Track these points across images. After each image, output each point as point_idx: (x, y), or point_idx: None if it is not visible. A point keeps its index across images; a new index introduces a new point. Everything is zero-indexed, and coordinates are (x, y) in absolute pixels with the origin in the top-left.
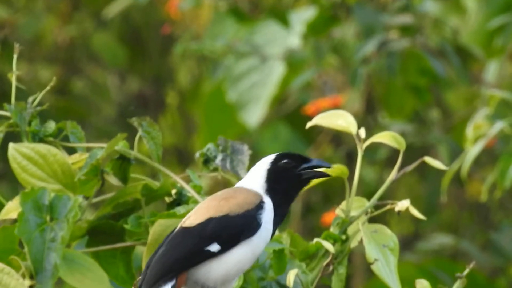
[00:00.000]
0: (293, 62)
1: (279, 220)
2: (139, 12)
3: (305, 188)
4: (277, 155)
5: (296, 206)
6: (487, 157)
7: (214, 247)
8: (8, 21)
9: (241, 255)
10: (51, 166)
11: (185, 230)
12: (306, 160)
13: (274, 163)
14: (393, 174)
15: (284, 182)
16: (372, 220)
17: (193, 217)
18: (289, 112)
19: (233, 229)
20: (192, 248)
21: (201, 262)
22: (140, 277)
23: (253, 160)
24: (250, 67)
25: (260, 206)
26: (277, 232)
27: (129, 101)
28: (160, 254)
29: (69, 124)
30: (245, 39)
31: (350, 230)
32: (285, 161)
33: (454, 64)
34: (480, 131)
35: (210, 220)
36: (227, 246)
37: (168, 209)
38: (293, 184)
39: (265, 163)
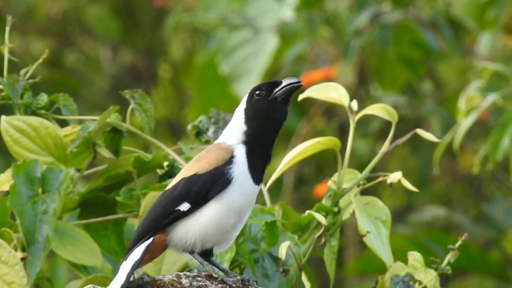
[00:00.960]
0: (286, 35)
1: (259, 166)
2: None
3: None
4: (248, 93)
5: (289, 178)
6: (480, 130)
7: (184, 206)
8: None
9: (215, 212)
10: (43, 138)
11: (162, 193)
12: (276, 84)
13: (249, 99)
14: (385, 146)
15: (262, 113)
16: (364, 192)
17: (172, 181)
18: None
19: (201, 186)
20: (163, 208)
21: (175, 222)
22: None
23: None
24: (242, 40)
25: (230, 160)
26: (268, 204)
27: (122, 73)
28: (142, 219)
29: (61, 97)
30: (238, 12)
31: (342, 202)
32: (257, 92)
33: (447, 36)
34: (472, 103)
35: (180, 181)
36: (197, 204)
37: (160, 181)
38: (272, 111)
39: (241, 104)
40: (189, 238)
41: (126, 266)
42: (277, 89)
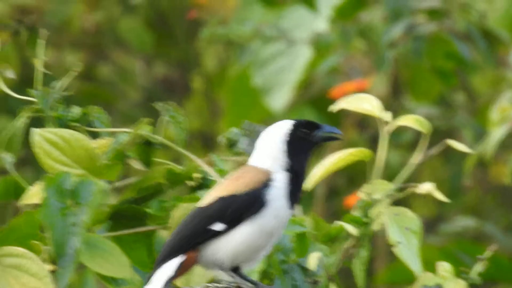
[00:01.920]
0: (320, 46)
1: (298, 192)
2: None
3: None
4: (293, 125)
5: (320, 189)
6: (511, 140)
7: (218, 226)
8: (36, 7)
9: (248, 234)
10: (75, 151)
11: (195, 210)
12: (318, 126)
13: (292, 133)
14: (417, 157)
15: (302, 150)
16: (395, 203)
17: (206, 197)
18: (315, 96)
19: (237, 208)
20: (197, 227)
21: (207, 241)
22: None
23: None
24: (276, 52)
25: (267, 184)
26: (301, 214)
27: (155, 85)
28: (172, 233)
29: (94, 109)
30: (272, 23)
31: (373, 213)
32: (304, 130)
33: (480, 47)
34: (505, 114)
35: (216, 200)
36: (231, 225)
37: (191, 193)
38: (309, 152)
39: (281, 134)
40: (220, 256)
41: (157, 282)
42: (319, 133)
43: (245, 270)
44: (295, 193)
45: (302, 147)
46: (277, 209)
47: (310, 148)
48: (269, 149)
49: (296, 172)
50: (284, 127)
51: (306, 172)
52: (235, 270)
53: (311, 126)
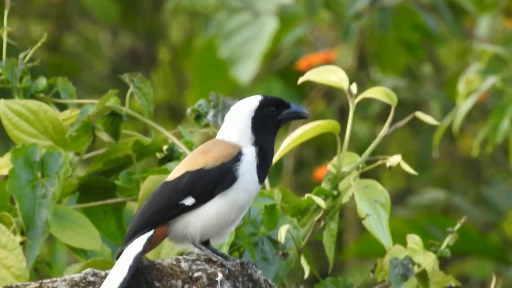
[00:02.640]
0: (286, 18)
1: (267, 166)
2: None
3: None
4: (260, 102)
5: (288, 162)
6: (479, 112)
7: (189, 201)
8: None
9: (218, 208)
10: (42, 122)
11: (164, 184)
12: (286, 105)
13: (259, 110)
14: (384, 129)
15: (267, 128)
16: (363, 175)
17: (174, 172)
18: (281, 68)
19: (207, 182)
20: (167, 202)
21: (178, 215)
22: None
23: None
24: (242, 23)
25: (237, 158)
26: (268, 188)
27: (121, 57)
28: (141, 208)
29: (60, 80)
30: None
31: (342, 185)
32: (271, 109)
33: (446, 19)
34: (472, 86)
35: (185, 174)
36: (202, 199)
37: (159, 165)
38: (275, 129)
39: (248, 110)
40: (190, 231)
41: (127, 258)
42: (286, 111)
43: (214, 243)
44: (264, 168)
45: (268, 124)
46: (248, 183)
47: (276, 126)
48: (237, 124)
49: (263, 148)
50: (252, 103)
51: (273, 148)
52: (205, 243)
53: (279, 104)
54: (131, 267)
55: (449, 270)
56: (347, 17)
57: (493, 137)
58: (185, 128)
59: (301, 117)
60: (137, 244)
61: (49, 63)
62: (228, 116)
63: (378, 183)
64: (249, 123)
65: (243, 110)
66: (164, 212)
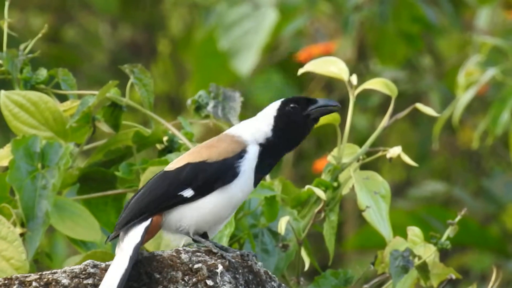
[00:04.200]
0: (286, 9)
1: (264, 170)
2: None
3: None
4: (282, 101)
5: (288, 154)
6: (479, 104)
7: (187, 192)
8: None
9: (215, 203)
10: (43, 113)
11: (163, 173)
12: (312, 101)
13: (281, 108)
14: (384, 121)
15: (294, 126)
16: (363, 167)
17: (175, 162)
18: (281, 59)
19: (208, 175)
20: (166, 191)
21: (175, 206)
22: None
23: (245, 107)
24: (242, 15)
25: (240, 155)
26: (268, 179)
27: (121, 48)
28: (137, 195)
29: (60, 71)
30: None
31: (342, 177)
32: (293, 105)
33: (446, 11)
34: (471, 78)
35: (187, 166)
36: (200, 192)
37: (159, 156)
38: (302, 127)
39: (271, 110)
40: (184, 223)
41: (127, 249)
42: (313, 107)
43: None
44: (263, 170)
45: (293, 123)
46: (246, 181)
47: (303, 124)
48: (253, 123)
49: (276, 149)
50: (275, 104)
51: (294, 146)
52: (203, 236)
53: (303, 100)
54: (131, 258)
55: (449, 263)
56: (347, 9)
57: (493, 129)
58: (185, 119)
59: (331, 111)
60: (135, 234)
61: (49, 55)
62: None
63: (378, 174)
64: (271, 121)
65: (267, 110)
66: (161, 201)
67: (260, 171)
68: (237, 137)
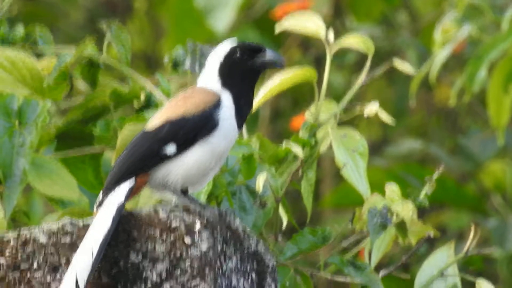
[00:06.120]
0: None
1: (244, 112)
2: None
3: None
4: (230, 49)
5: (265, 111)
6: (456, 62)
7: (170, 148)
8: None
9: (199, 155)
10: (20, 71)
11: (144, 133)
12: (259, 50)
13: (227, 57)
14: (361, 78)
15: (238, 75)
16: (340, 124)
17: (153, 120)
18: (257, 17)
19: (189, 130)
20: (148, 150)
21: (159, 164)
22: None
23: None
24: None
25: (217, 104)
26: (245, 136)
27: (97, 6)
28: (120, 157)
29: (37, 28)
30: None
31: (319, 134)
32: (237, 55)
33: None
34: (448, 34)
35: (166, 122)
36: (183, 146)
37: (137, 113)
38: (247, 75)
39: (217, 56)
40: (171, 179)
41: (110, 209)
42: (259, 58)
43: (193, 191)
44: (242, 114)
45: (236, 71)
46: (227, 129)
47: (250, 73)
48: (213, 70)
49: (238, 94)
50: (223, 49)
51: (249, 95)
52: (183, 193)
53: (251, 50)
54: (114, 218)
55: (427, 221)
56: None
57: (470, 86)
58: (162, 76)
59: (276, 66)
60: (119, 194)
61: (25, 12)
62: (207, 61)
63: (356, 131)
64: (216, 68)
65: (215, 55)
66: (145, 161)
67: (240, 114)
68: (209, 86)
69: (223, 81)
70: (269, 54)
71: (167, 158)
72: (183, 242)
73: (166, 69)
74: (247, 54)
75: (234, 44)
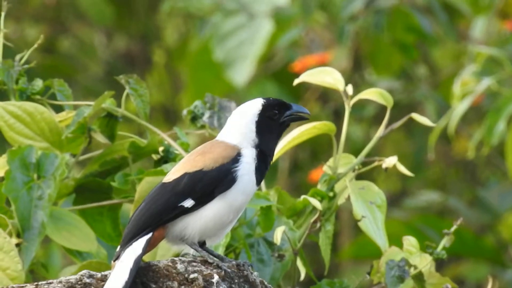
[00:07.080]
0: (281, 20)
1: (265, 168)
2: None
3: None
4: (263, 105)
5: (284, 163)
6: (474, 114)
7: (188, 203)
8: None
9: (217, 210)
10: (38, 124)
11: (162, 186)
12: (288, 107)
13: (262, 114)
14: (380, 131)
15: (271, 130)
16: (359, 177)
17: (172, 173)
18: (276, 70)
19: (206, 184)
20: (166, 204)
21: (177, 218)
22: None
23: None
24: (237, 25)
25: (236, 159)
26: (264, 189)
27: (116, 59)
28: (138, 210)
29: (56, 82)
30: None
31: (338, 187)
32: (274, 111)
33: (441, 20)
34: (467, 88)
35: (184, 176)
36: (201, 201)
37: (155, 166)
38: (279, 133)
39: (251, 113)
40: (188, 232)
41: (128, 261)
42: (288, 113)
43: (210, 244)
44: (262, 170)
45: (270, 127)
46: (246, 184)
47: (279, 128)
48: (239, 127)
49: (263, 150)
50: (255, 106)
51: (274, 151)
52: (201, 245)
53: (281, 106)
54: (132, 270)
55: (445, 273)
56: (342, 19)
57: (489, 139)
58: (181, 129)
59: (302, 118)
60: (136, 247)
61: (45, 65)
62: (230, 118)
63: (374, 184)
64: (253, 126)
65: (247, 113)
66: (162, 214)
67: (259, 171)
68: (229, 141)
69: (256, 137)
70: (295, 108)
71: (184, 211)
72: None
73: (185, 122)
74: (277, 111)
75: (263, 101)
